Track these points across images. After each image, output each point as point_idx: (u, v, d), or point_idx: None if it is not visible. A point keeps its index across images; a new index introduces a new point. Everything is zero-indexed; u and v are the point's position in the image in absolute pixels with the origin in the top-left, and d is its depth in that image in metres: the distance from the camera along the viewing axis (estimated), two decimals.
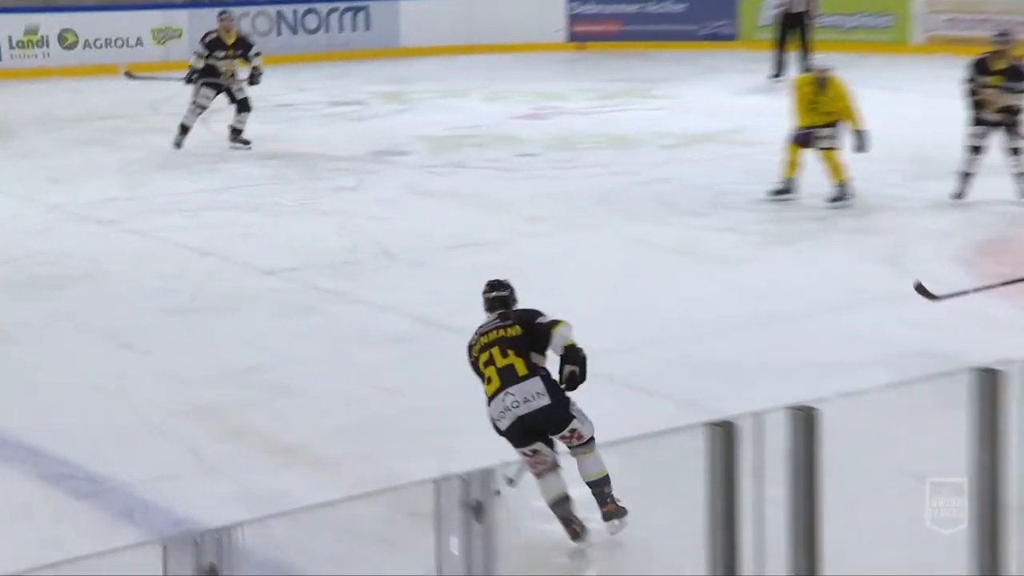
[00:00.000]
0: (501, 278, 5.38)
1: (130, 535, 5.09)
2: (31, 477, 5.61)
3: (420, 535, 3.32)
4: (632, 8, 19.64)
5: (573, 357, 5.08)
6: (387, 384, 6.62)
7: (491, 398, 5.04)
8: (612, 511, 4.95)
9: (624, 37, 19.51)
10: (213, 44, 12.15)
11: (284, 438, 5.94)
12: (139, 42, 17.49)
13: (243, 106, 12.17)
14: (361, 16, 18.92)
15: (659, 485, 4.93)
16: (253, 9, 18.13)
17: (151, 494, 5.42)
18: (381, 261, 8.84)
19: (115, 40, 17.37)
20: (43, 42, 17.09)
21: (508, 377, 5.01)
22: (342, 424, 6.04)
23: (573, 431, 5.02)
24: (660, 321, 7.46)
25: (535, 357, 5.11)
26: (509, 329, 5.14)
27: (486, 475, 3.09)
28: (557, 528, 4.91)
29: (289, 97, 14.27)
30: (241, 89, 12.14)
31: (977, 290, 7.28)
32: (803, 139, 9.98)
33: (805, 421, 3.22)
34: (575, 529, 4.93)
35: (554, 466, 4.99)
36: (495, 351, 5.07)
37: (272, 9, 18.41)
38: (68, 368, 6.85)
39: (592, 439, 5.02)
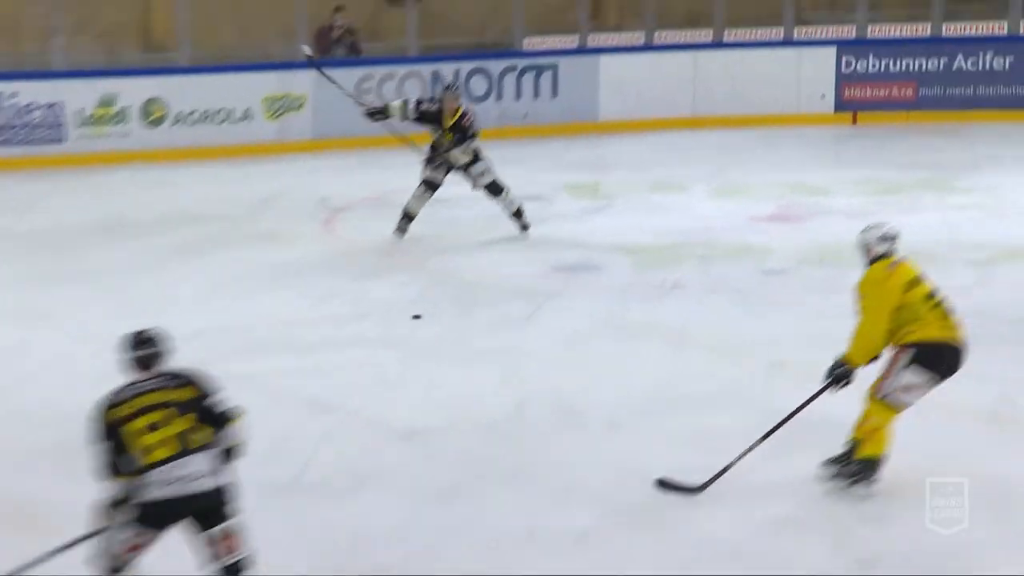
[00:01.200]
0: (148, 329, 6.26)
1: None
2: None
3: None
4: (931, 64, 19.56)
5: (233, 456, 6.18)
6: None
7: (150, 467, 5.92)
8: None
9: (919, 105, 19.52)
10: (426, 117, 13.22)
11: None
12: (247, 115, 18.22)
13: (492, 191, 13.29)
14: (546, 78, 19.37)
15: None
16: (401, 69, 18.75)
17: None
18: (560, 423, 8.93)
19: (216, 112, 18.09)
20: (122, 116, 17.79)
21: (180, 447, 5.97)
22: None
23: (228, 535, 5.99)
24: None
25: (204, 429, 6.07)
26: (181, 391, 6.09)
27: None
28: None
29: (444, 189, 14.30)
30: (480, 174, 13.23)
31: (742, 456, 7.66)
32: None
33: None
34: None
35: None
36: (163, 414, 5.98)
37: (426, 69, 18.83)
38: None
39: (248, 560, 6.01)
